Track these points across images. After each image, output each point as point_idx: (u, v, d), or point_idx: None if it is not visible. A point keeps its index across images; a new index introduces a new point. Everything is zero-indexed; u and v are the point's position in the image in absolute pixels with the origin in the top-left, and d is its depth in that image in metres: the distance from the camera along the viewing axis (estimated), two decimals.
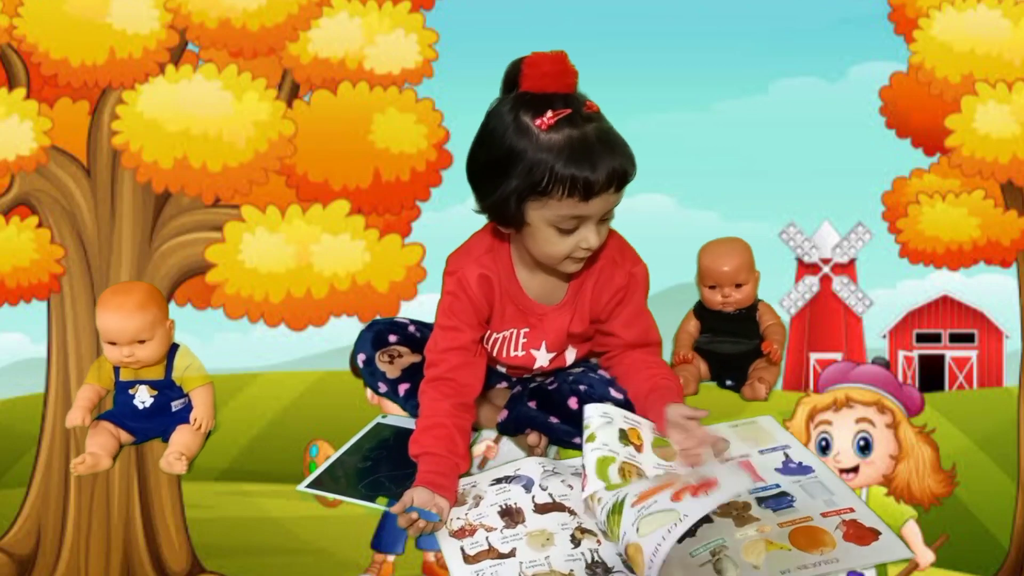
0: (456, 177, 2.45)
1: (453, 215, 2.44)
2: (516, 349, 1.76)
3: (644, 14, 2.56)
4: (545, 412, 1.77)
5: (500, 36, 2.52)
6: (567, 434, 1.76)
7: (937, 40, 2.51)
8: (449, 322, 1.70)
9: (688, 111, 2.48)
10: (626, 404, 1.75)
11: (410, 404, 1.84)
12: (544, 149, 1.51)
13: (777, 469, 1.71)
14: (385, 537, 1.72)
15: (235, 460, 1.94)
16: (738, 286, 2.03)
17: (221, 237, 2.41)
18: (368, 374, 1.89)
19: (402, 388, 1.85)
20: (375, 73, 2.50)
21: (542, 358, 1.77)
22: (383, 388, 1.88)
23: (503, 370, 1.87)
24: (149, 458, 1.93)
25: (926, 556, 1.65)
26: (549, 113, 1.51)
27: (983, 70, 2.49)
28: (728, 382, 2.06)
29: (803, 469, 1.71)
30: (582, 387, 1.76)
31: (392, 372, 1.85)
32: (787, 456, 1.75)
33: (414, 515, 1.56)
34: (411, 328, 1.91)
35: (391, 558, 1.70)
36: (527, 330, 1.75)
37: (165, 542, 1.83)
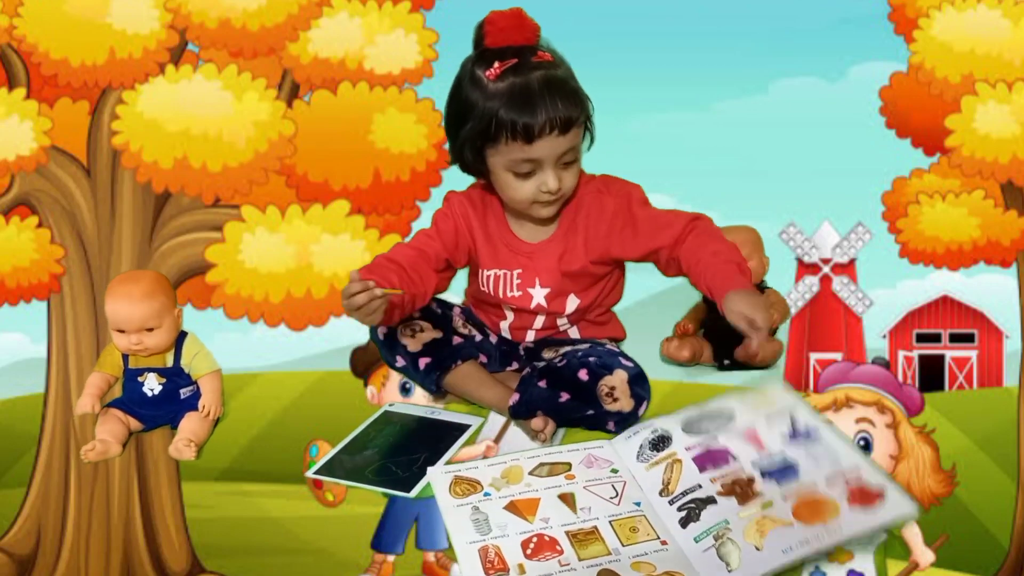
0: (456, 177, 2.45)
1: None
2: (512, 289, 1.82)
3: (644, 14, 2.56)
4: (556, 390, 1.78)
5: None
6: (577, 409, 1.77)
7: (937, 40, 2.51)
8: (427, 230, 1.81)
9: (688, 111, 2.48)
10: (637, 373, 1.77)
11: (429, 379, 1.85)
12: (490, 97, 1.62)
13: (783, 435, 1.70)
14: (385, 537, 1.72)
15: (235, 460, 1.94)
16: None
17: (221, 237, 2.41)
18: (386, 348, 1.89)
19: (422, 362, 1.85)
20: (375, 73, 2.50)
21: (538, 296, 1.81)
22: (401, 362, 1.88)
23: (507, 332, 1.88)
24: (149, 458, 1.93)
25: (926, 556, 1.65)
26: (496, 64, 1.62)
27: (983, 70, 2.49)
28: (726, 361, 2.04)
29: (809, 434, 1.70)
30: (592, 359, 1.77)
31: (413, 345, 1.86)
32: (793, 424, 1.73)
33: (372, 283, 1.61)
34: (432, 303, 1.92)
35: (391, 558, 1.70)
36: (520, 271, 1.80)
37: (165, 542, 1.83)
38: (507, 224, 1.81)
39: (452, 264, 1.84)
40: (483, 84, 1.62)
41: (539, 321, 1.87)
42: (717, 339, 2.05)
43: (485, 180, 1.74)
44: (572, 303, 1.84)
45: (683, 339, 2.02)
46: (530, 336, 1.90)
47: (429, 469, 1.68)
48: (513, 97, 1.60)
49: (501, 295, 1.82)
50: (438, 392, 1.86)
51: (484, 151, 1.67)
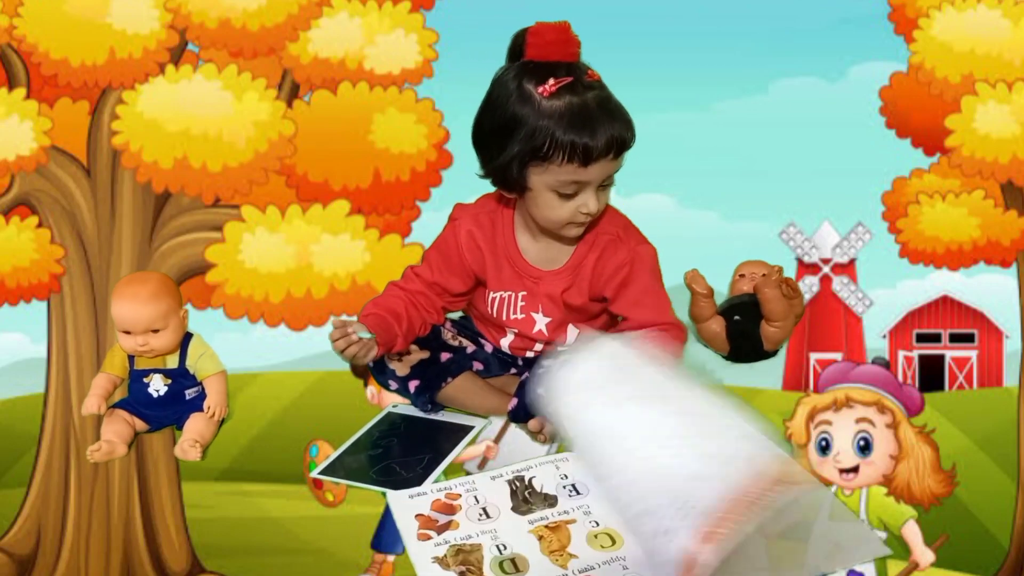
0: (456, 177, 2.45)
1: None
2: (515, 312, 1.82)
3: (644, 14, 2.56)
4: None
5: (500, 36, 2.51)
6: None
7: (937, 40, 2.51)
8: (430, 256, 1.84)
9: (688, 111, 2.47)
10: None
11: (421, 400, 1.86)
12: (545, 115, 1.57)
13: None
14: (385, 537, 1.72)
15: (235, 460, 1.94)
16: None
17: (221, 237, 2.41)
18: (378, 373, 1.89)
19: (412, 385, 1.87)
20: (375, 73, 2.50)
21: (541, 322, 1.81)
22: (394, 386, 1.89)
23: (507, 348, 1.88)
24: (149, 459, 1.93)
25: (926, 556, 1.65)
26: (551, 81, 1.58)
27: (983, 70, 2.49)
28: (736, 317, 2.03)
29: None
30: None
31: (402, 370, 1.86)
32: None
33: (350, 328, 1.63)
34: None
35: (391, 558, 1.70)
36: (524, 293, 1.80)
37: (165, 542, 1.83)
38: (516, 245, 1.79)
39: (453, 290, 1.83)
40: (535, 100, 1.56)
41: (539, 347, 1.87)
42: (730, 312, 2.04)
43: (518, 195, 1.70)
44: (572, 334, 1.84)
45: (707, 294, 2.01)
46: (529, 355, 1.90)
47: (390, 494, 1.67)
48: (573, 118, 1.55)
49: (505, 317, 1.82)
50: (433, 410, 1.86)
51: (528, 168, 1.62)
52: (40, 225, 2.42)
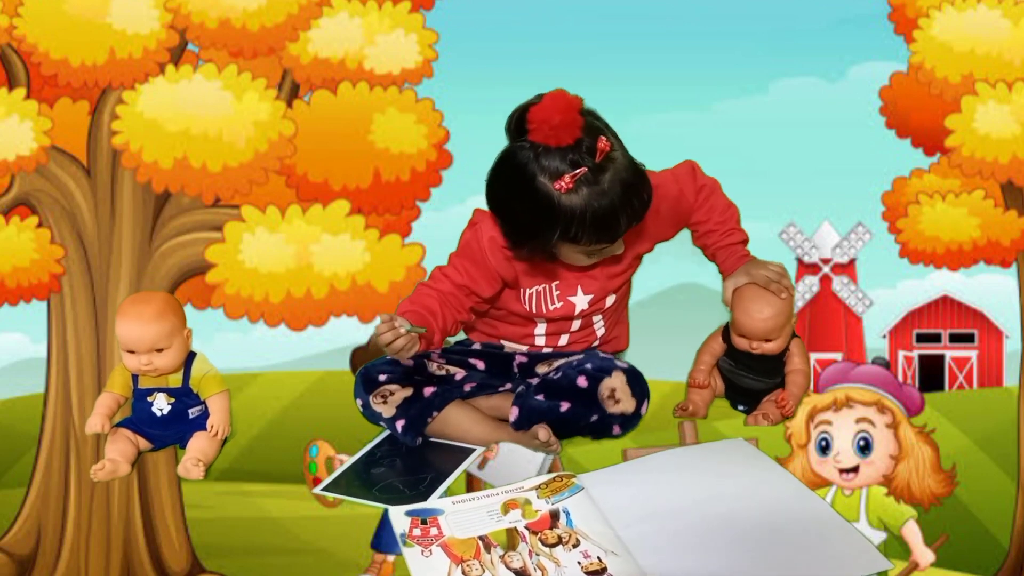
0: (456, 177, 2.46)
1: (453, 215, 2.43)
2: (553, 302, 1.84)
3: (644, 14, 2.56)
4: (555, 401, 1.78)
5: (500, 36, 2.52)
6: (581, 417, 1.77)
7: (937, 40, 2.51)
8: (456, 260, 1.83)
9: (688, 111, 2.48)
10: (634, 373, 1.78)
11: (408, 437, 1.85)
12: (568, 211, 1.61)
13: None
14: (385, 537, 1.72)
15: (235, 460, 1.94)
16: (768, 340, 1.93)
17: (221, 237, 2.41)
18: (369, 416, 1.89)
19: (399, 425, 1.86)
20: (375, 73, 2.50)
21: (581, 302, 1.84)
22: (384, 426, 1.89)
23: (540, 339, 1.88)
24: (149, 459, 1.93)
25: (926, 556, 1.65)
26: (567, 178, 1.58)
27: (983, 70, 2.49)
28: (741, 407, 1.99)
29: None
30: (588, 366, 1.79)
31: (387, 411, 1.85)
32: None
33: (396, 322, 1.63)
34: None
35: (391, 558, 1.70)
36: (558, 283, 1.81)
37: (165, 542, 1.83)
38: None
39: (482, 294, 1.83)
40: (554, 198, 1.60)
41: (576, 324, 1.88)
42: (730, 385, 1.99)
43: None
44: (610, 299, 1.88)
45: (698, 396, 1.95)
46: (563, 340, 1.91)
47: (390, 509, 1.66)
48: (595, 213, 1.60)
49: (545, 310, 1.83)
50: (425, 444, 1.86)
51: (560, 245, 1.68)
52: (40, 225, 2.42)
